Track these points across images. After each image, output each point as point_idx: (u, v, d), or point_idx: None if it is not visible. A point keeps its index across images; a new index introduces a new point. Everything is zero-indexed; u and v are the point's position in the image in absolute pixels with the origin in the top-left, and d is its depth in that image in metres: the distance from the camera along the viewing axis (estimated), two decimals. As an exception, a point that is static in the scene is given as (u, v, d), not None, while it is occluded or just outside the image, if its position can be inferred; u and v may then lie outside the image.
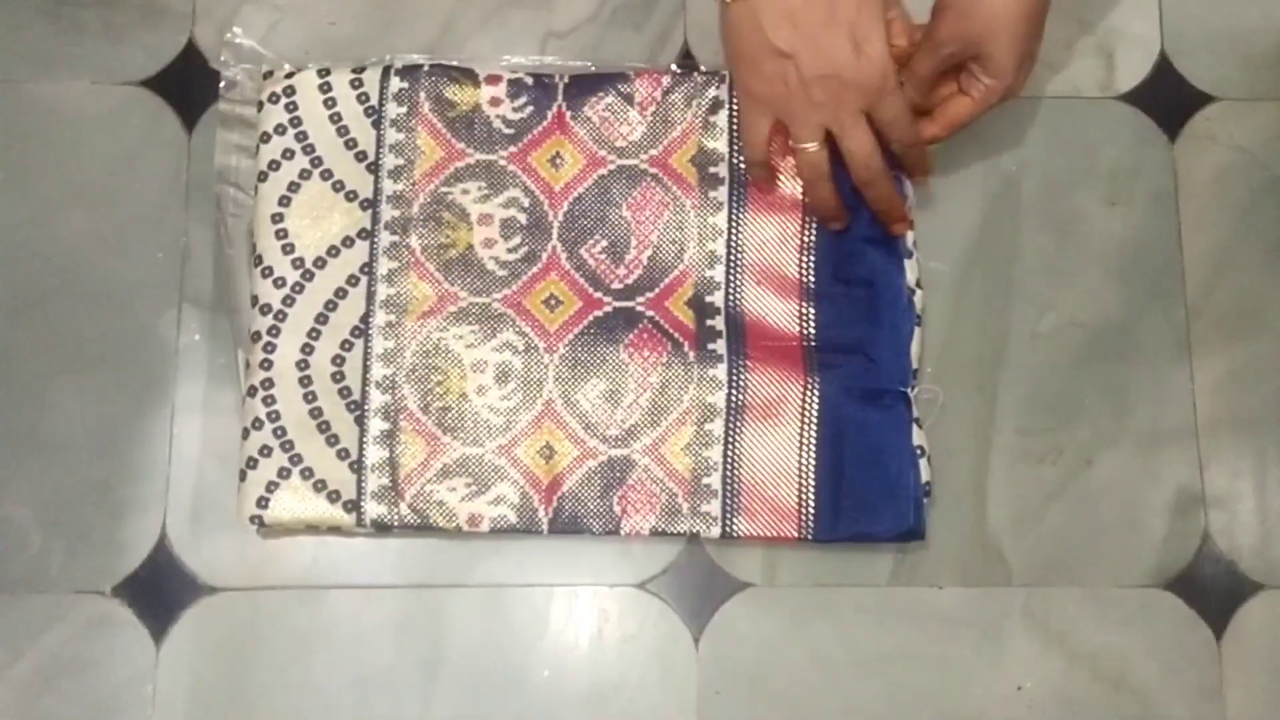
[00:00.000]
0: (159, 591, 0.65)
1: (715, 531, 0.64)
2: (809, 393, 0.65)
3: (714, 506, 0.64)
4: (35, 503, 0.66)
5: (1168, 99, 0.71)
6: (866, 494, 0.64)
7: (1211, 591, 0.66)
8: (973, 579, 0.66)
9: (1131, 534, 0.67)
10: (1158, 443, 0.67)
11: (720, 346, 0.65)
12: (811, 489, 0.64)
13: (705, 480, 0.64)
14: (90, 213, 0.69)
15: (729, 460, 0.64)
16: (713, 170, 0.67)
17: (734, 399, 0.65)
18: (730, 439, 0.64)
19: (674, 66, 0.69)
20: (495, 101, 0.68)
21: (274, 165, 0.67)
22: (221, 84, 0.69)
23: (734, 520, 0.64)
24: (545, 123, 0.68)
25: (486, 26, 0.71)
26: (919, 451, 0.64)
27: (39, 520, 0.65)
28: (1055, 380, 0.68)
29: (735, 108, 0.67)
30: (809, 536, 0.64)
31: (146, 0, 0.71)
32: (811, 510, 0.64)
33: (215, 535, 0.65)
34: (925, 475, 0.64)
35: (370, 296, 0.66)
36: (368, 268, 0.66)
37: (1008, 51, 0.60)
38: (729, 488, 0.64)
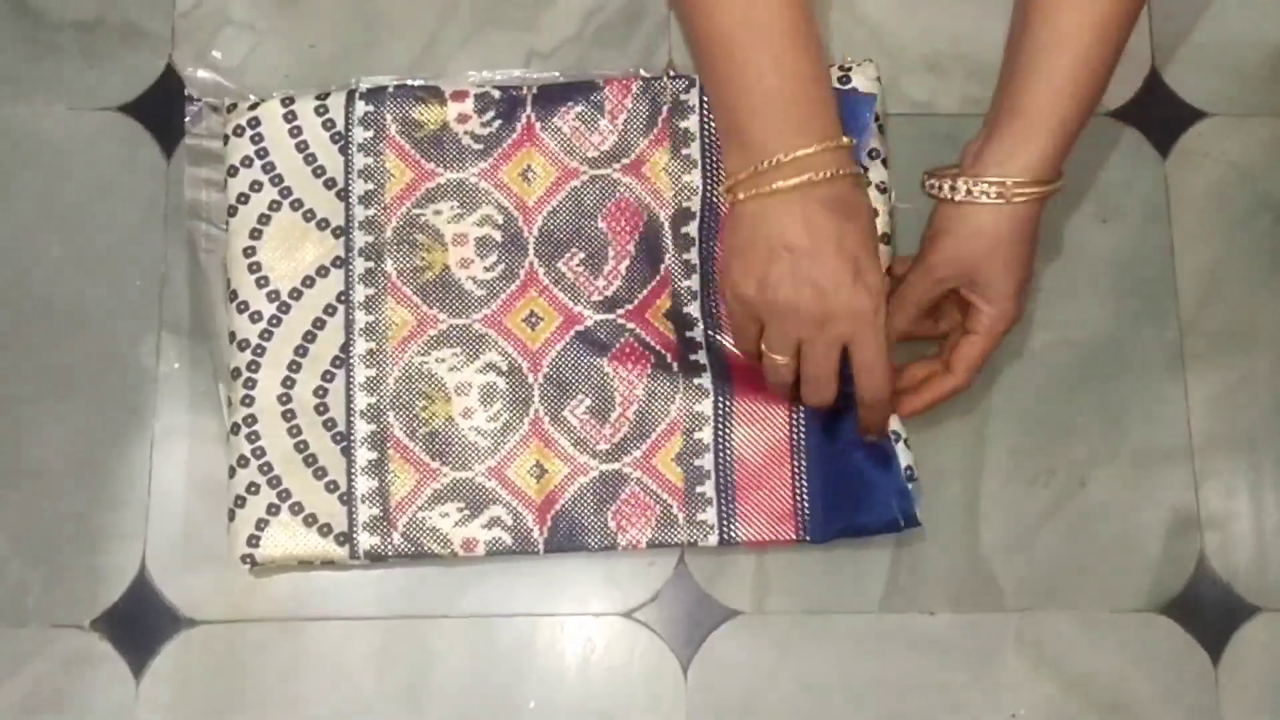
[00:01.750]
0: (139, 625, 0.64)
1: (713, 539, 0.63)
2: None
3: (710, 514, 0.63)
4: (13, 534, 0.65)
5: (1159, 115, 0.71)
6: (851, 488, 0.63)
7: (1208, 615, 0.65)
8: (965, 604, 0.65)
9: (1126, 556, 0.66)
10: (1152, 462, 0.67)
11: (702, 356, 0.65)
12: (805, 488, 0.63)
13: (699, 489, 0.64)
14: (68, 238, 0.68)
15: (721, 467, 0.64)
16: (686, 178, 0.66)
17: (721, 406, 0.64)
18: (721, 446, 0.64)
19: (642, 71, 0.68)
20: (463, 118, 0.67)
21: (243, 198, 0.66)
22: (187, 119, 0.68)
23: (731, 527, 0.63)
24: (514, 135, 0.67)
25: (468, 46, 0.71)
26: (894, 437, 0.63)
27: (17, 552, 0.65)
28: (1047, 400, 0.67)
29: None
30: (806, 537, 0.63)
31: (125, 24, 0.70)
32: (806, 510, 0.63)
33: (196, 567, 0.64)
34: (905, 460, 0.63)
35: (349, 325, 0.65)
36: (344, 296, 0.65)
37: (1004, 276, 0.59)
38: (723, 495, 0.63)
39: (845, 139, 0.59)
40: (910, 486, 0.63)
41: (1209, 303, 0.69)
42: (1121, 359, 0.68)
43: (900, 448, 0.63)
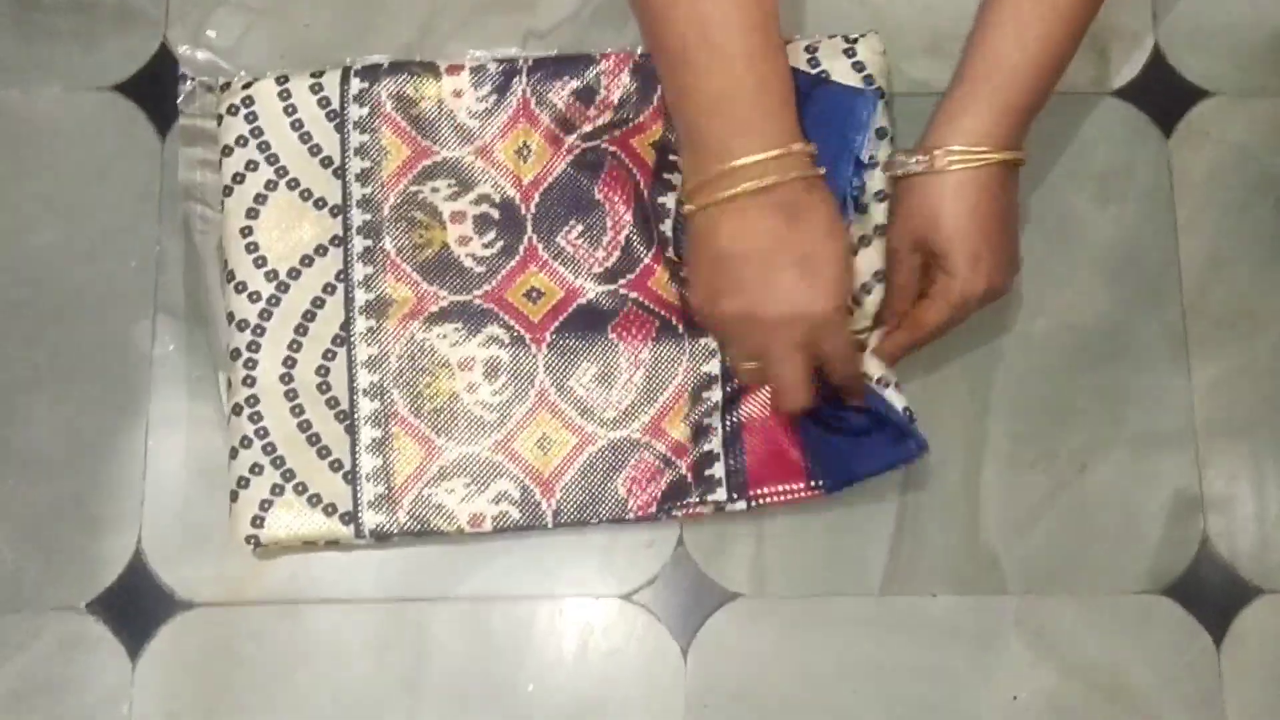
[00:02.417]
0: (135, 607, 0.64)
1: (721, 494, 0.63)
2: None
3: (718, 469, 0.63)
4: (8, 517, 0.64)
5: (1162, 94, 0.70)
6: (853, 437, 0.62)
7: (1210, 597, 0.65)
8: (966, 587, 0.65)
9: (1128, 539, 0.65)
10: (1154, 446, 0.66)
11: None
12: (811, 441, 0.63)
13: (707, 448, 0.63)
14: (62, 221, 0.68)
15: (729, 425, 0.64)
16: (673, 157, 0.66)
17: (728, 364, 0.64)
18: (729, 404, 0.64)
19: (639, 50, 0.68)
20: (458, 93, 0.67)
21: (238, 178, 0.66)
22: (180, 98, 0.68)
23: (740, 481, 0.63)
24: (510, 111, 0.67)
25: (466, 27, 0.70)
26: (885, 383, 0.62)
27: (12, 536, 0.64)
28: (1048, 384, 0.67)
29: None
30: (818, 485, 0.63)
31: (119, 4, 0.70)
32: (816, 462, 0.63)
33: (192, 549, 0.64)
34: (901, 402, 0.62)
35: (349, 303, 0.65)
36: (343, 274, 0.65)
37: (952, 244, 0.59)
38: (732, 452, 0.63)
39: (802, 144, 0.57)
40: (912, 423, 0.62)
41: (1212, 285, 0.68)
42: (1124, 342, 0.67)
43: (892, 392, 0.62)
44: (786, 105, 0.58)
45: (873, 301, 0.64)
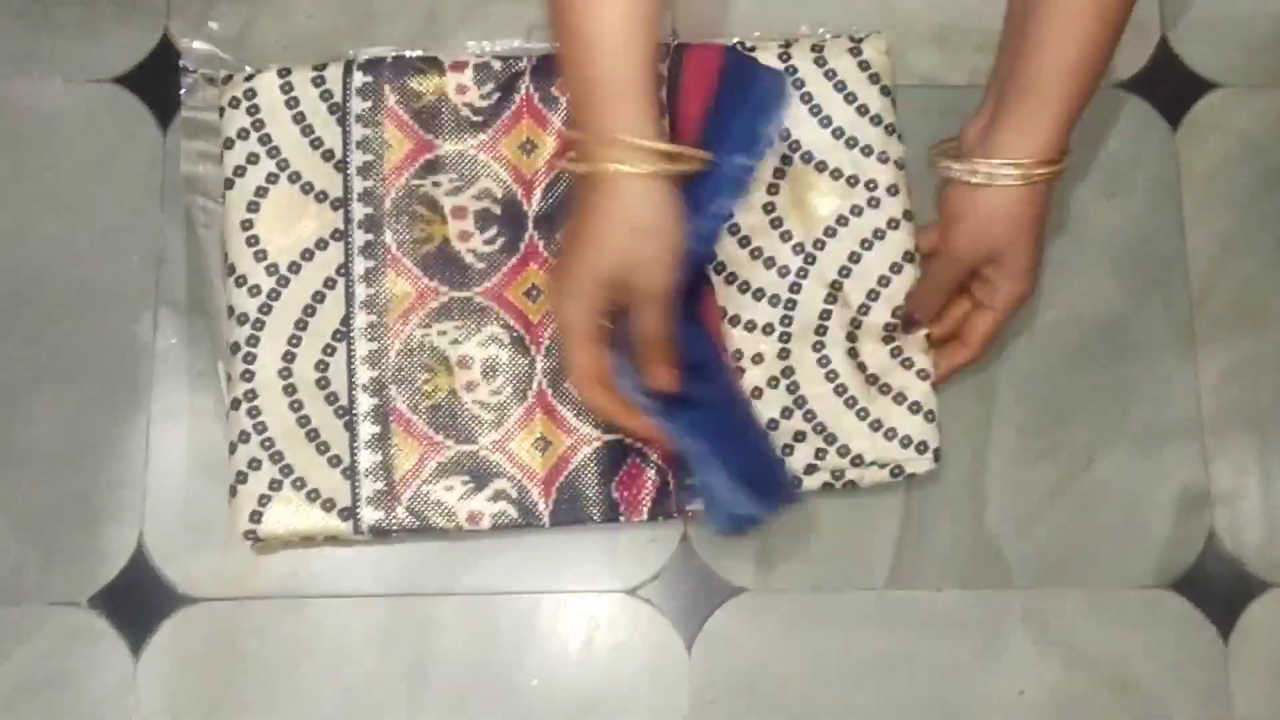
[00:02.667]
0: (137, 602, 0.63)
1: (700, 503, 0.62)
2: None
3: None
4: (10, 512, 0.64)
5: (1169, 86, 0.70)
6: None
7: (1217, 591, 0.65)
8: (972, 581, 0.64)
9: (1134, 533, 0.65)
10: (1161, 440, 0.66)
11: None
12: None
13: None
14: (63, 214, 0.67)
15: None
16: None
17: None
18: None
19: None
20: (461, 89, 0.67)
21: (240, 171, 0.65)
22: (183, 91, 0.67)
23: None
24: (514, 107, 0.67)
25: (468, 19, 0.70)
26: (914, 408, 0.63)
27: (13, 530, 0.64)
28: (1055, 377, 0.67)
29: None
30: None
31: (120, -5, 0.70)
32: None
33: (194, 544, 0.64)
34: (933, 442, 0.63)
35: (349, 298, 0.64)
36: (344, 269, 0.65)
37: (1027, 252, 0.60)
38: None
39: (618, 135, 0.55)
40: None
41: (1219, 278, 0.68)
42: (1130, 336, 0.67)
43: (920, 421, 0.63)
44: (619, 97, 0.55)
45: (892, 291, 0.64)
